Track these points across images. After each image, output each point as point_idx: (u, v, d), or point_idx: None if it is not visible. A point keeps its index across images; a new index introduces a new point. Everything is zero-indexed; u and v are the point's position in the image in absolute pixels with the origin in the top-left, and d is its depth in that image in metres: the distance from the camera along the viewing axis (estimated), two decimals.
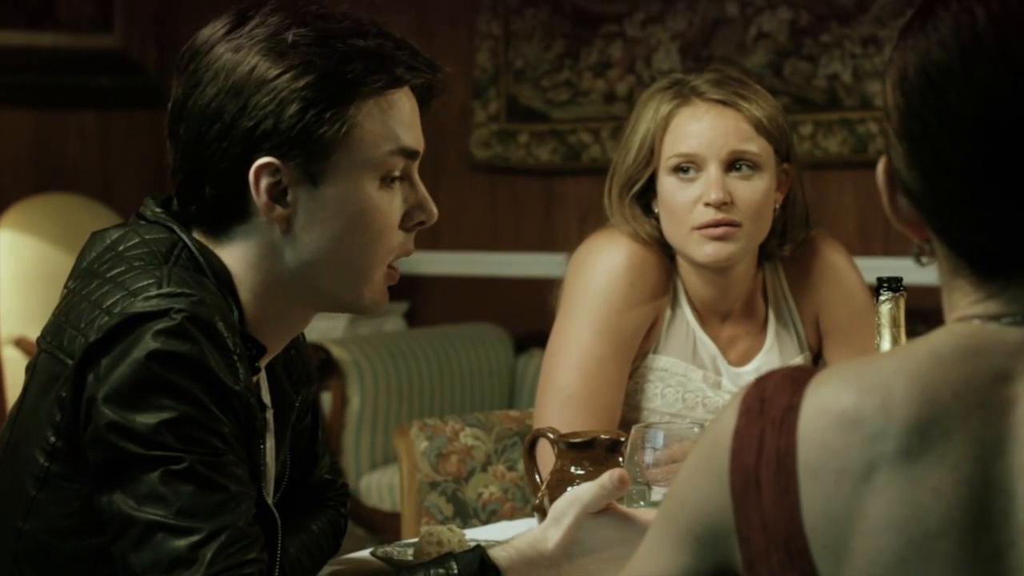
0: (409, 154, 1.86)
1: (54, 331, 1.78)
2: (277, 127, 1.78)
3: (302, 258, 1.83)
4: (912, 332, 1.79)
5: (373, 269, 1.86)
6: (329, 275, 1.85)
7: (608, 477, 1.82)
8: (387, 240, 1.86)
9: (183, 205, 1.85)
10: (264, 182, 1.80)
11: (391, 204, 1.85)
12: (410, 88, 1.86)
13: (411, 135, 1.86)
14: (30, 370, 1.82)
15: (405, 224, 1.88)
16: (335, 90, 1.79)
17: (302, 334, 2.04)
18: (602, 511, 1.85)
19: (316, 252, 1.83)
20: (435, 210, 1.89)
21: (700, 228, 2.55)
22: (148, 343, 1.68)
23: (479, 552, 1.83)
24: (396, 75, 1.83)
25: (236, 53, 1.80)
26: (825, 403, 1.22)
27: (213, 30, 1.83)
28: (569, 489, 2.08)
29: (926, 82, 1.25)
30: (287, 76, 1.78)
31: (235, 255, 1.84)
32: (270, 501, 1.89)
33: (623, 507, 1.87)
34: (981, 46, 1.23)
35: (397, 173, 1.85)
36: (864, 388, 1.21)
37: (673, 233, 2.59)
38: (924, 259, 1.31)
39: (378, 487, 4.91)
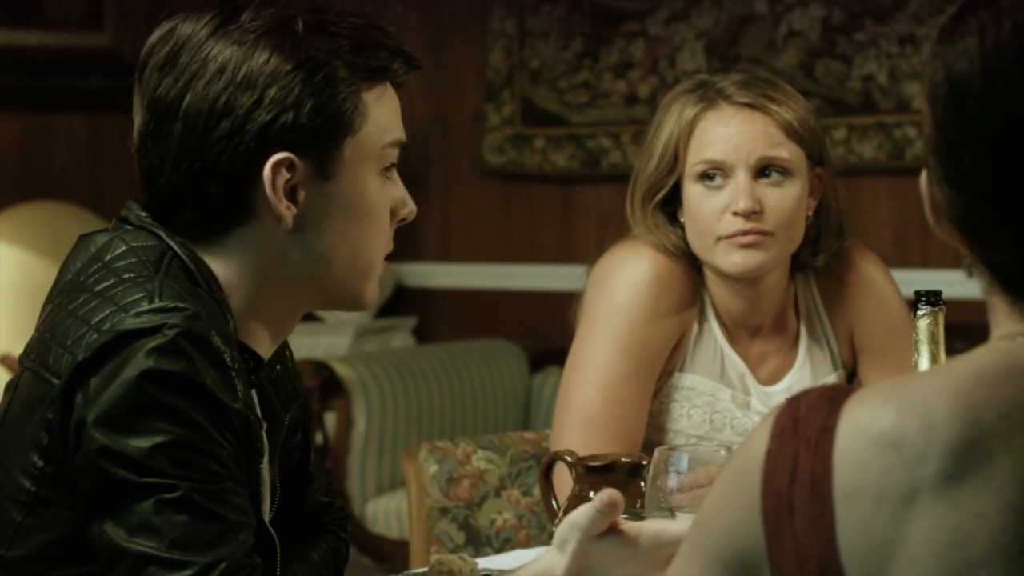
0: (402, 146, 1.92)
1: (38, 348, 1.78)
2: (297, 120, 1.81)
3: (309, 256, 1.87)
4: (952, 349, 1.80)
5: (375, 264, 1.91)
6: (336, 272, 1.88)
7: (599, 499, 1.81)
8: (385, 233, 1.92)
9: (172, 210, 1.85)
10: (281, 178, 1.82)
11: (387, 197, 1.91)
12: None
13: (401, 127, 1.93)
14: (11, 389, 1.82)
15: (391, 219, 1.93)
16: (348, 80, 1.84)
17: (289, 349, 2.05)
18: (607, 530, 1.84)
19: (325, 249, 1.87)
20: (415, 206, 1.95)
21: (728, 237, 2.56)
22: (140, 362, 1.69)
23: None
24: (394, 68, 1.89)
25: (241, 46, 1.82)
26: (863, 423, 1.22)
27: (198, 25, 1.85)
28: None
29: (949, 94, 1.25)
30: (304, 68, 1.82)
31: (227, 260, 1.85)
32: (267, 521, 1.90)
33: (628, 523, 1.87)
34: (1003, 58, 1.23)
35: (394, 164, 1.91)
36: (904, 408, 1.21)
37: (699, 243, 2.59)
38: (974, 270, 1.31)
39: (385, 513, 4.91)
